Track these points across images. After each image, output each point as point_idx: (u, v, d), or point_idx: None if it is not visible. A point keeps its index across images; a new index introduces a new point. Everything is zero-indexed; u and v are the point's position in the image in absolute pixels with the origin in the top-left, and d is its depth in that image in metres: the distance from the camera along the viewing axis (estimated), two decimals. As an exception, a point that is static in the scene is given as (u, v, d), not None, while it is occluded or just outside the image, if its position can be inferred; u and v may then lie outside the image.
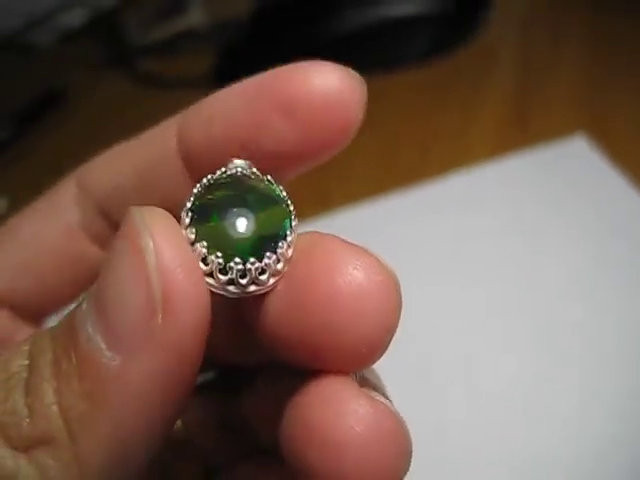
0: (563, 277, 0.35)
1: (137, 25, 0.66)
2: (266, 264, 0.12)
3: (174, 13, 0.66)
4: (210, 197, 0.12)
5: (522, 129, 0.45)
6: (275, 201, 0.13)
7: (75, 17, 0.70)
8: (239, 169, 0.13)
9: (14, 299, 0.18)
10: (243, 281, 0.12)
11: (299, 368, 0.12)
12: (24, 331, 0.18)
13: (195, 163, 0.16)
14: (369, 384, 0.13)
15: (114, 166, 0.17)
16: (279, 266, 0.12)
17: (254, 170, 0.13)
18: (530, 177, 0.41)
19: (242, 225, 0.12)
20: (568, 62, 0.50)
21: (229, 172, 0.13)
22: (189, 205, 0.12)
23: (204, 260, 0.12)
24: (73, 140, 0.55)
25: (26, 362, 0.11)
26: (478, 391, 0.31)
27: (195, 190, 0.13)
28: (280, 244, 0.12)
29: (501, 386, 0.31)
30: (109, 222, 0.18)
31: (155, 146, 0.17)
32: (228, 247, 0.12)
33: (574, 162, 0.41)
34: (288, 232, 0.12)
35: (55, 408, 0.11)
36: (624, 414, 0.29)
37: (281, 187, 0.13)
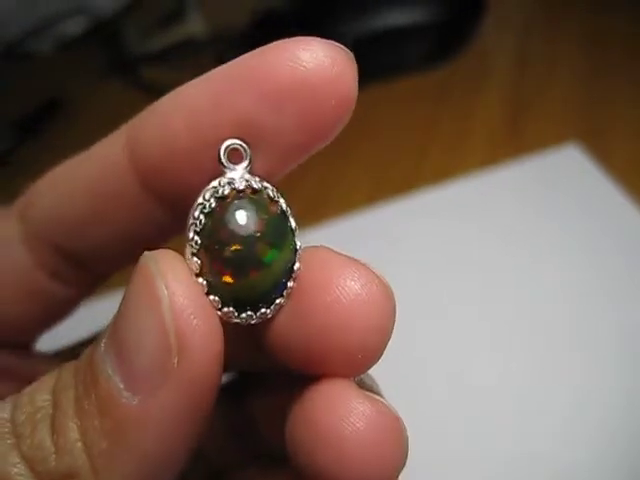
0: (556, 283, 0.35)
1: (137, 34, 0.67)
2: (274, 308, 0.13)
3: (174, 22, 0.66)
4: (213, 239, 0.12)
5: (517, 137, 0.46)
6: (280, 245, 0.13)
7: (75, 26, 0.71)
8: (234, 184, 0.13)
9: None
10: (253, 321, 0.13)
11: (302, 373, 0.13)
12: (13, 359, 0.18)
13: (156, 178, 0.15)
14: (366, 386, 0.14)
15: (61, 193, 0.16)
16: (284, 301, 0.13)
17: (250, 182, 0.13)
18: (523, 186, 0.41)
19: (254, 278, 0.12)
20: (564, 70, 0.51)
21: (222, 191, 0.13)
22: (193, 249, 0.12)
23: (218, 309, 0.12)
24: (73, 149, 0.55)
25: (50, 397, 0.12)
26: (474, 394, 0.32)
27: (194, 227, 0.12)
28: (289, 285, 0.13)
29: (496, 390, 0.31)
30: (63, 255, 0.17)
31: (101, 165, 0.15)
32: (241, 301, 0.12)
33: (567, 171, 0.41)
34: (296, 267, 0.13)
35: (80, 445, 0.11)
36: (620, 417, 0.29)
37: (283, 204, 0.13)
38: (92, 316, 0.18)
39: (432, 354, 0.33)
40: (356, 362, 0.12)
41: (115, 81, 0.63)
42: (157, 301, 0.11)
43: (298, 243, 0.13)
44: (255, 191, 0.13)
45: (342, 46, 0.13)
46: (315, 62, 0.13)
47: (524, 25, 0.58)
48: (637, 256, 0.35)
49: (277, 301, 0.13)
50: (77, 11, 0.70)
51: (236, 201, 0.12)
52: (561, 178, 0.41)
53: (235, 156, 0.13)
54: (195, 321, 0.11)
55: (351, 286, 0.12)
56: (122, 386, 0.11)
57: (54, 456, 0.11)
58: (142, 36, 0.66)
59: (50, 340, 0.19)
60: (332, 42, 0.13)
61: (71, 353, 0.13)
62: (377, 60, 0.53)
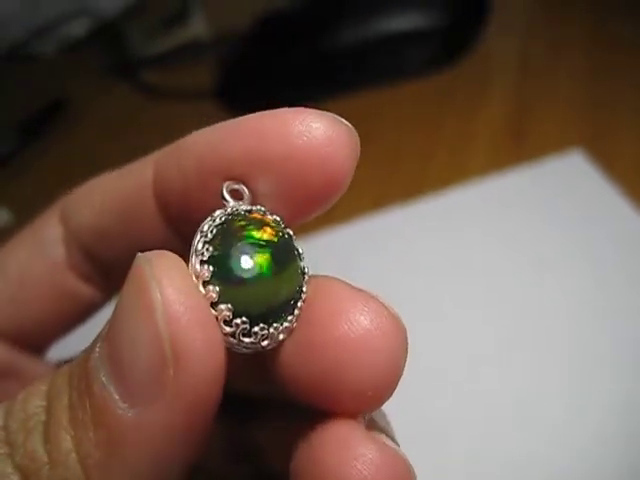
0: (559, 290, 0.35)
1: (140, 36, 0.67)
2: (286, 326, 0.12)
3: (176, 24, 0.66)
4: (223, 250, 0.12)
5: (520, 141, 0.46)
6: (289, 262, 0.13)
7: (78, 28, 0.71)
8: (239, 208, 0.13)
9: (9, 333, 0.18)
10: (264, 343, 0.12)
11: (310, 407, 0.13)
12: (25, 362, 0.18)
13: (170, 209, 0.15)
14: (377, 426, 0.14)
15: (94, 203, 0.17)
16: (295, 325, 0.13)
17: (254, 207, 0.13)
18: (527, 192, 0.41)
19: (266, 288, 0.12)
20: (567, 74, 0.51)
21: (232, 210, 0.13)
22: (201, 257, 0.12)
23: (228, 322, 0.12)
24: (76, 151, 0.55)
25: (43, 403, 0.11)
26: (475, 400, 0.31)
27: (202, 239, 0.12)
28: (298, 305, 0.12)
29: (497, 395, 0.31)
30: (93, 262, 0.17)
31: (132, 185, 0.16)
32: (255, 312, 0.12)
33: (570, 177, 0.41)
34: (304, 289, 0.13)
35: (74, 456, 0.11)
36: (618, 423, 0.29)
37: (288, 230, 0.13)
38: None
39: (435, 357, 0.33)
40: (366, 399, 0.12)
41: (118, 83, 0.63)
42: (151, 307, 0.11)
43: (305, 267, 0.13)
44: (263, 213, 0.13)
45: (344, 121, 0.13)
46: (308, 137, 0.12)
47: (527, 29, 0.58)
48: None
49: (289, 318, 0.12)
50: (80, 13, 0.70)
51: (246, 217, 0.13)
52: (564, 184, 0.41)
53: (237, 195, 0.13)
54: (192, 330, 0.11)
55: (360, 320, 0.12)
56: (117, 397, 0.11)
57: (47, 467, 0.11)
58: (145, 38, 0.66)
59: (60, 350, 0.19)
60: (334, 116, 0.13)
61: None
62: (381, 64, 0.53)
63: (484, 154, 0.45)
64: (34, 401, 0.12)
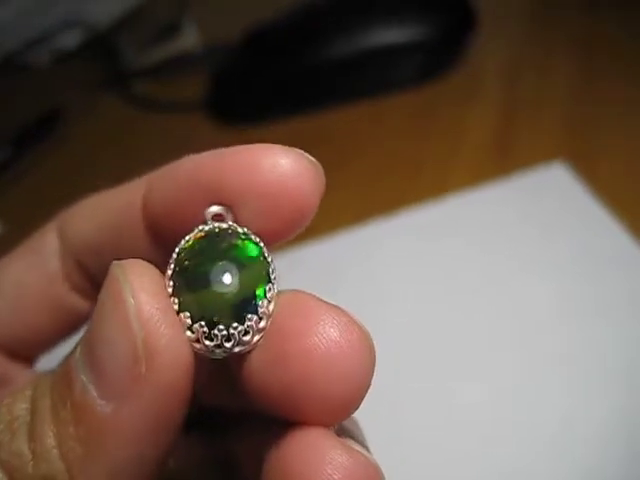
0: (542, 302, 0.36)
1: (132, 47, 0.67)
2: (248, 326, 0.12)
3: (168, 37, 0.67)
4: (188, 262, 0.13)
5: (508, 154, 0.46)
6: (252, 258, 0.13)
7: (70, 39, 0.71)
8: (214, 225, 0.14)
9: (4, 342, 0.18)
10: (228, 344, 0.12)
11: (279, 418, 0.13)
12: (16, 371, 0.19)
13: (158, 225, 0.16)
14: (346, 433, 0.14)
15: (90, 220, 0.17)
16: (261, 324, 0.13)
17: (229, 223, 0.14)
18: (509, 205, 0.42)
19: (222, 290, 0.13)
20: (555, 87, 0.51)
21: (205, 229, 0.14)
22: (170, 272, 0.13)
23: (190, 328, 0.12)
24: (68, 162, 0.55)
25: (28, 406, 0.12)
26: (461, 416, 0.32)
27: (175, 255, 0.13)
28: (260, 303, 0.13)
29: (483, 412, 0.32)
30: (86, 275, 0.18)
31: (124, 204, 0.17)
32: (210, 314, 0.12)
33: (552, 189, 0.42)
34: (267, 288, 0.13)
35: (56, 452, 0.12)
36: (612, 433, 0.29)
37: (257, 239, 0.14)
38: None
39: (421, 369, 0.34)
40: (333, 410, 0.12)
41: (110, 94, 0.63)
42: (124, 309, 0.12)
43: (272, 271, 0.13)
44: (223, 229, 0.14)
45: (310, 157, 0.14)
46: (277, 171, 0.14)
47: (515, 42, 0.59)
48: (622, 275, 0.36)
49: (250, 317, 0.12)
50: (73, 24, 0.70)
51: (204, 236, 0.13)
52: (547, 197, 0.42)
53: (219, 219, 0.14)
54: (162, 328, 0.12)
55: (330, 333, 0.12)
56: (95, 394, 0.12)
57: (31, 463, 0.12)
58: (137, 50, 0.67)
59: (48, 362, 0.20)
60: (300, 152, 0.14)
61: None
62: (370, 77, 0.54)
63: (470, 166, 0.46)
64: (19, 404, 0.12)
